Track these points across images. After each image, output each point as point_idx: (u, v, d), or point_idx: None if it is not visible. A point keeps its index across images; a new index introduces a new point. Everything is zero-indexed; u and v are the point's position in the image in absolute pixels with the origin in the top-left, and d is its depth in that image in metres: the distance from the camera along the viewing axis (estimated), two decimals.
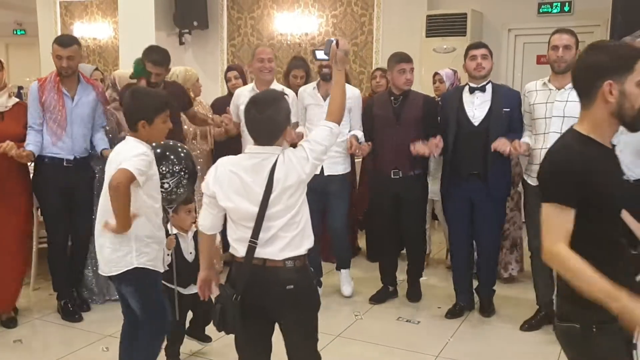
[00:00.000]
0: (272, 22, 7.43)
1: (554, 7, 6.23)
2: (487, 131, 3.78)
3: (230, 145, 4.25)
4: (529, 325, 3.83)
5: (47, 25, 8.45)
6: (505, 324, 3.92)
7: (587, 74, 1.82)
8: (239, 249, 2.33)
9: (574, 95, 3.61)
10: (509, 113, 3.81)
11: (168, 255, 3.06)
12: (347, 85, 4.34)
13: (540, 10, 6.27)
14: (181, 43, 7.48)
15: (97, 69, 4.68)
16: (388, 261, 4.35)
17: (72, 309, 3.97)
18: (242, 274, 2.30)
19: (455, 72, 4.78)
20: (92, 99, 3.92)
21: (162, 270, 2.81)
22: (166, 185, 2.86)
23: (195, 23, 7.34)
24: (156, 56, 3.97)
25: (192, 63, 7.07)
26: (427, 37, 6.29)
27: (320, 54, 2.59)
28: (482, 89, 3.85)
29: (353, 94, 4.13)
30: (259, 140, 2.33)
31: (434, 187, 4.39)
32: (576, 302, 1.77)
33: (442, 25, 6.22)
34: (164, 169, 2.84)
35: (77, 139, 3.84)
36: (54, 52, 3.78)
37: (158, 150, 2.84)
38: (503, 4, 6.41)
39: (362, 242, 5.51)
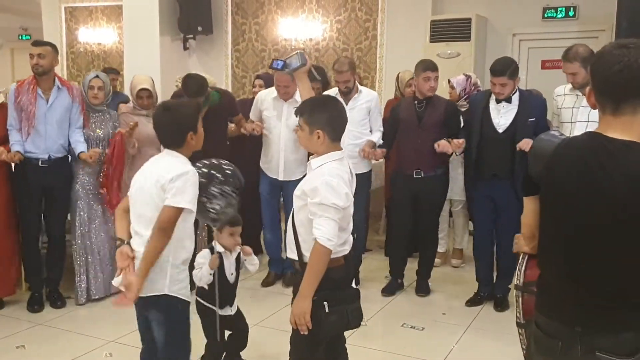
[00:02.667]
0: (277, 27, 7.43)
1: (558, 12, 6.21)
2: (512, 139, 3.93)
3: (245, 144, 4.87)
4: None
5: (52, 31, 8.47)
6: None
7: None
8: (345, 248, 2.49)
9: None
10: (534, 122, 3.94)
11: (210, 274, 3.03)
12: (365, 88, 4.63)
13: (545, 15, 6.25)
14: (185, 48, 7.49)
15: (113, 72, 4.75)
16: (400, 256, 4.59)
17: (37, 299, 4.17)
18: (352, 269, 2.57)
19: (468, 77, 4.81)
20: (67, 100, 4.09)
21: (189, 300, 2.60)
22: (217, 207, 2.62)
23: (199, 28, 7.35)
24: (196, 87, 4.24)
25: (196, 68, 7.06)
26: (431, 42, 6.28)
27: (295, 63, 2.80)
28: (509, 100, 4.00)
29: (372, 97, 4.54)
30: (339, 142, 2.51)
31: (453, 187, 4.64)
32: None
33: (446, 31, 6.21)
34: (214, 190, 2.61)
35: (52, 139, 4.03)
36: (29, 52, 4.04)
37: (204, 171, 2.63)
38: (508, 8, 6.40)
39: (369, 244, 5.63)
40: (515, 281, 2.08)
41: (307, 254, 2.42)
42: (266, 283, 4.71)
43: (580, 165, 1.63)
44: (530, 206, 1.87)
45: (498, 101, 4.02)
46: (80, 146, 4.07)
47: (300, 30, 7.30)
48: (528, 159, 1.86)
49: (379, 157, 4.45)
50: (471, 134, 4.11)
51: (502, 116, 4.00)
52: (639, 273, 1.59)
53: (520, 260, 2.06)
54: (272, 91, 4.50)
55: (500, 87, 3.95)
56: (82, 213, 4.22)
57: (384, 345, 3.72)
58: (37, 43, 4.14)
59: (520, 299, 2.04)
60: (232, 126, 4.82)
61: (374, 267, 5.10)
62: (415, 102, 4.33)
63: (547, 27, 6.21)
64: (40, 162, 4.01)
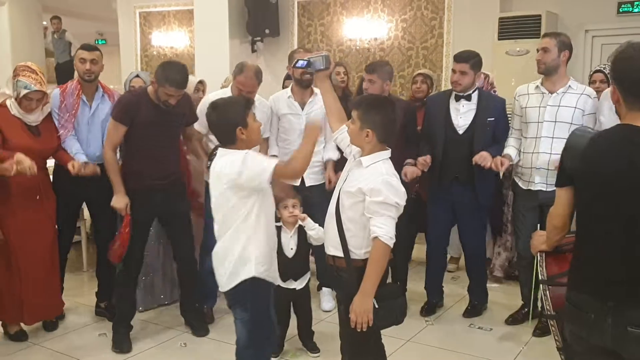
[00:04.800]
0: (342, 28, 7.49)
1: (635, 7, 5.97)
2: (471, 140, 3.83)
3: None
4: (513, 319, 4.01)
5: (127, 35, 8.83)
6: None
7: None
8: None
9: (566, 100, 3.64)
10: (494, 122, 3.85)
11: None
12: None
13: (621, 10, 6.03)
14: (253, 51, 7.65)
15: (200, 81, 4.61)
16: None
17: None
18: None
19: (486, 76, 4.69)
20: (109, 106, 3.94)
21: (275, 283, 2.73)
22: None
23: (267, 31, 7.49)
24: (179, 77, 3.50)
25: (263, 70, 7.14)
26: (499, 39, 6.17)
27: (319, 65, 2.76)
28: (468, 98, 3.86)
29: None
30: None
31: None
32: None
33: (515, 28, 6.09)
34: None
35: (94, 145, 3.88)
36: (78, 56, 3.89)
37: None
38: (580, 4, 6.22)
39: None
40: (540, 277, 2.21)
41: (355, 250, 2.47)
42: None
43: (621, 151, 1.83)
44: (563, 197, 2.03)
45: (457, 99, 3.87)
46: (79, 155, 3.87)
47: (365, 30, 7.33)
48: (562, 153, 2.02)
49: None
50: (434, 136, 3.94)
51: (461, 117, 3.87)
52: None
53: (538, 259, 2.25)
54: (223, 94, 3.87)
55: (460, 75, 3.79)
56: None
57: (450, 345, 3.72)
58: (90, 47, 3.95)
59: (547, 292, 2.17)
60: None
61: None
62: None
63: (623, 22, 5.99)
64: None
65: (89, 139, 3.91)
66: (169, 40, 8.61)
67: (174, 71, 3.48)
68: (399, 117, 2.59)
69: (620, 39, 6.02)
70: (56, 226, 3.87)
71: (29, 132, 3.61)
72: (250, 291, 2.58)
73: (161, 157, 3.62)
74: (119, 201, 3.54)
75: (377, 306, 2.40)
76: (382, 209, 2.37)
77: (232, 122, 2.55)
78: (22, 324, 3.82)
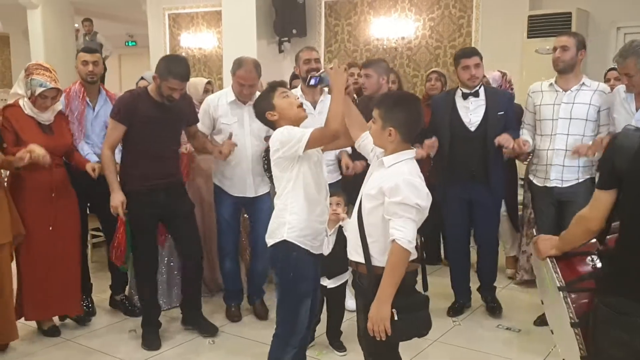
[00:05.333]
0: (369, 27, 7.49)
1: None
2: (484, 135, 3.84)
3: None
4: (541, 321, 3.85)
5: (156, 37, 8.95)
6: None
7: None
8: (414, 252, 2.34)
9: (580, 97, 3.67)
10: (504, 116, 3.86)
11: None
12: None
13: None
14: (280, 51, 7.70)
15: (209, 82, 4.62)
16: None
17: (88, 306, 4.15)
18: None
19: (504, 74, 4.68)
20: (111, 109, 3.89)
21: (315, 252, 2.75)
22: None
23: (294, 31, 7.53)
24: (181, 70, 3.50)
25: (290, 70, 7.24)
26: (528, 37, 6.12)
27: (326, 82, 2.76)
28: (476, 94, 3.88)
29: None
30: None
31: None
32: None
33: (544, 26, 6.02)
34: None
35: (97, 146, 3.93)
36: (80, 59, 3.95)
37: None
38: (611, 1, 6.12)
39: None
40: (557, 284, 2.12)
41: (377, 256, 2.34)
42: (233, 317, 4.11)
43: None
44: (607, 200, 1.95)
45: (465, 97, 3.88)
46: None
47: (392, 29, 7.32)
48: (609, 154, 1.95)
49: (359, 170, 3.82)
50: (440, 136, 3.92)
51: (471, 114, 3.87)
52: None
53: (549, 265, 2.16)
54: (224, 94, 3.95)
55: (475, 68, 3.81)
56: None
57: (477, 345, 3.70)
58: (91, 50, 4.09)
59: (568, 299, 2.08)
60: (186, 147, 4.11)
61: None
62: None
63: None
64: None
65: (92, 140, 3.99)
66: (198, 41, 8.71)
67: (176, 64, 3.48)
68: (423, 115, 2.47)
69: None
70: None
71: (42, 131, 3.62)
72: (282, 254, 2.70)
73: (161, 156, 3.61)
74: (115, 199, 3.52)
75: (396, 317, 2.26)
76: (401, 210, 2.23)
77: (261, 110, 2.79)
78: (54, 319, 3.90)
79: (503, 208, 4.52)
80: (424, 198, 2.28)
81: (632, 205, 1.91)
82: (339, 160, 4.03)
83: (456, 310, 4.16)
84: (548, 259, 2.19)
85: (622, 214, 1.94)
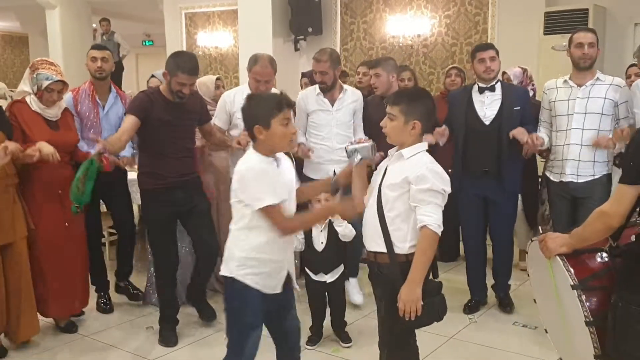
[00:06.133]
0: (384, 25, 7.48)
1: None
2: (499, 130, 3.85)
3: None
4: None
5: (173, 36, 9.01)
6: None
7: None
8: None
9: (595, 91, 3.69)
10: (520, 111, 3.87)
11: (301, 240, 3.48)
12: (349, 87, 4.33)
13: None
14: (296, 49, 7.72)
15: (219, 78, 4.69)
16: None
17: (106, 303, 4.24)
18: None
19: (525, 70, 4.70)
20: (121, 107, 4.06)
21: (265, 292, 2.51)
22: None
23: (309, 29, 7.55)
24: (190, 64, 3.55)
25: (306, 68, 7.26)
26: (545, 34, 6.08)
27: (367, 155, 2.61)
28: (492, 89, 3.90)
29: (358, 96, 4.25)
30: None
31: None
32: None
33: (561, 22, 5.98)
34: None
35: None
36: (90, 56, 4.01)
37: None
38: None
39: None
40: (570, 282, 2.09)
41: (400, 244, 2.44)
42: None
43: None
44: (631, 196, 1.93)
45: (481, 91, 3.91)
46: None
47: (407, 26, 7.31)
48: (633, 148, 1.93)
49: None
50: (455, 130, 3.97)
51: (487, 108, 3.90)
52: None
53: (560, 262, 2.13)
54: (240, 90, 4.05)
55: (491, 61, 3.84)
56: None
57: (493, 342, 3.69)
58: (100, 47, 4.15)
59: (583, 297, 2.05)
60: (233, 142, 3.95)
61: None
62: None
63: None
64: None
65: (103, 137, 3.94)
66: (214, 40, 8.76)
67: (184, 59, 3.55)
68: (436, 109, 2.57)
69: None
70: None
71: (49, 127, 3.63)
72: (229, 288, 2.52)
73: (177, 156, 3.65)
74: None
75: (422, 302, 2.39)
76: (429, 196, 2.36)
77: (254, 118, 2.43)
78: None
79: (520, 205, 4.50)
80: (447, 184, 2.42)
81: None
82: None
83: (472, 307, 4.15)
84: (558, 257, 2.16)
85: None
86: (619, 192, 1.96)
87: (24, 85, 3.64)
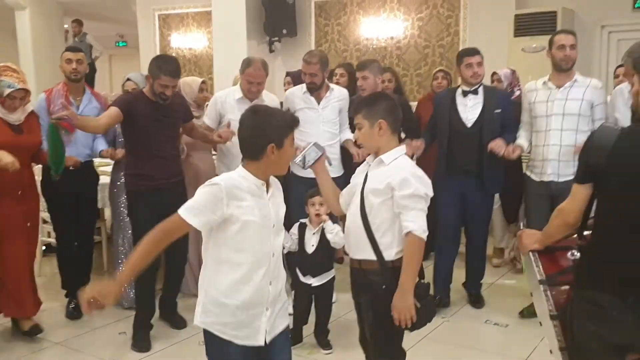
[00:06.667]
0: (358, 27, 7.53)
1: None
2: (480, 132, 3.98)
3: None
4: (528, 312, 3.91)
5: (146, 37, 8.95)
6: None
7: None
8: None
9: (573, 93, 3.78)
10: (501, 114, 4.00)
11: (294, 240, 3.55)
12: (335, 86, 4.38)
13: (636, 5, 6.00)
14: (271, 51, 7.72)
15: (204, 81, 4.63)
16: None
17: (76, 308, 4.12)
18: None
19: (513, 71, 4.88)
20: (95, 108, 4.07)
21: (240, 343, 2.15)
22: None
23: (284, 31, 7.56)
24: (171, 67, 3.60)
25: (281, 70, 7.27)
26: (515, 36, 6.18)
27: (315, 154, 2.56)
28: (475, 92, 4.03)
29: (344, 95, 4.30)
30: None
31: None
32: None
33: (530, 25, 6.10)
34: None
35: (82, 144, 4.05)
36: (64, 57, 4.02)
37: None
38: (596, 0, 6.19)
39: None
40: (537, 277, 2.17)
41: (387, 250, 2.42)
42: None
43: None
44: (583, 194, 2.01)
45: (465, 94, 4.03)
46: (100, 145, 4.15)
47: (381, 29, 7.37)
48: (586, 150, 2.00)
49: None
50: (440, 131, 4.11)
51: (469, 110, 4.03)
52: None
53: (532, 258, 2.21)
54: (232, 92, 4.17)
55: (478, 66, 3.97)
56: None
57: (466, 341, 3.74)
58: (74, 49, 4.16)
59: (548, 292, 2.14)
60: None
61: None
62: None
63: (639, 17, 5.96)
64: (70, 167, 3.85)
65: (76, 138, 4.01)
66: (188, 41, 8.71)
67: (166, 62, 3.63)
68: (398, 105, 2.54)
69: (637, 34, 5.99)
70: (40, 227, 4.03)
71: (11, 131, 3.62)
72: (205, 336, 2.21)
73: (163, 156, 3.69)
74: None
75: (419, 305, 2.40)
76: (412, 202, 2.35)
77: (266, 135, 2.10)
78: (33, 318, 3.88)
79: (497, 201, 4.67)
80: (429, 187, 2.42)
81: (605, 200, 1.96)
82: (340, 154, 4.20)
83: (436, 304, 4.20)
84: (530, 253, 2.23)
85: (597, 208, 2.00)
86: (572, 190, 2.06)
87: None
